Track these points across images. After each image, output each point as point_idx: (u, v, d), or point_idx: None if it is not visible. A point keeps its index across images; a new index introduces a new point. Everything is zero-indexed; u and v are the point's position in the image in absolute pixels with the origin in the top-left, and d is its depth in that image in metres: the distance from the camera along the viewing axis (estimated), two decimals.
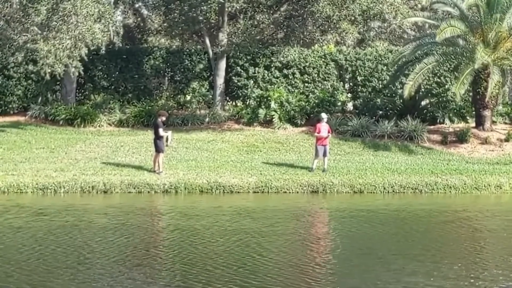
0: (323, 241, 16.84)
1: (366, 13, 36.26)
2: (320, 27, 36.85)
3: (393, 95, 34.19)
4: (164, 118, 25.53)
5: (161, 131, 24.64)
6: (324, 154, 25.60)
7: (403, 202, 22.83)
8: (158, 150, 24.62)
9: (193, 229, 17.42)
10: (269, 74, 34.90)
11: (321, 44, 38.48)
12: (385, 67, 34.77)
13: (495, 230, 18.29)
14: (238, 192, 23.45)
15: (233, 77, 35.15)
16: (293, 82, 34.85)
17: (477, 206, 22.60)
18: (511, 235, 17.45)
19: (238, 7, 35.67)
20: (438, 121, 33.60)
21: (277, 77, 34.91)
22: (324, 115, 26.62)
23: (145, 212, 20.40)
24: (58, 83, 34.41)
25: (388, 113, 33.20)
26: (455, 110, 33.86)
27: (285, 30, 36.91)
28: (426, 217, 20.19)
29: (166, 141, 25.21)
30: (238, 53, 34.95)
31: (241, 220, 18.90)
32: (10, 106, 34.26)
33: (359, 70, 35.02)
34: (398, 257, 14.84)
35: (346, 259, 14.68)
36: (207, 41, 35.16)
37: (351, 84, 35.83)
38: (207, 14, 34.54)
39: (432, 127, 32.50)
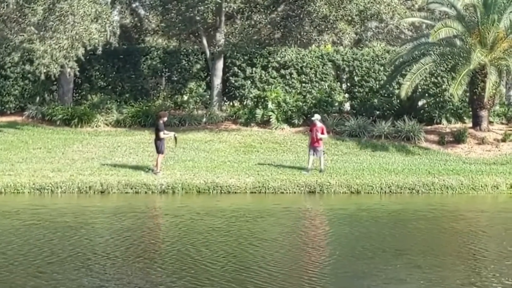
0: (280, 242, 16.47)
1: (363, 13, 36.24)
2: (317, 27, 36.84)
3: (390, 95, 34.19)
4: (165, 119, 25.55)
5: (161, 134, 24.62)
6: (314, 155, 25.57)
7: (382, 202, 22.90)
8: (158, 151, 24.62)
9: (153, 229, 17.58)
10: (266, 74, 34.91)
11: (318, 44, 38.53)
12: (382, 67, 34.77)
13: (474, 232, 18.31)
14: (235, 193, 23.44)
15: (230, 77, 35.15)
16: (290, 83, 34.86)
17: (470, 207, 22.66)
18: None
19: (235, 7, 35.66)
20: (435, 121, 33.64)
21: (274, 77, 34.91)
22: (315, 116, 26.53)
23: (118, 212, 20.04)
24: (55, 83, 34.41)
25: (385, 113, 33.23)
26: (452, 111, 33.90)
27: (282, 30, 36.94)
28: (395, 217, 20.22)
29: (175, 142, 25.25)
30: (235, 53, 34.97)
31: (210, 219, 18.83)
32: (7, 106, 34.29)
33: (356, 70, 35.03)
34: (353, 258, 14.71)
35: (290, 259, 14.67)
36: (204, 41, 35.17)
37: (348, 84, 35.84)
38: (204, 14, 34.46)
39: (429, 127, 32.54)
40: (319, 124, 25.90)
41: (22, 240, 15.86)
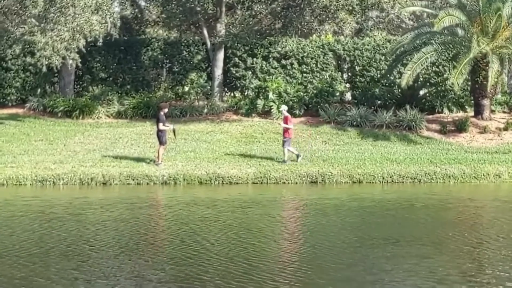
0: (268, 232, 16.52)
1: (364, 3, 36.20)
2: (318, 17, 36.78)
3: (392, 84, 34.13)
4: (166, 110, 25.62)
5: (160, 126, 24.64)
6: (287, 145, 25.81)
7: (381, 191, 22.95)
8: (159, 142, 24.66)
9: (140, 220, 17.55)
10: (267, 65, 34.84)
11: (319, 34, 38.43)
12: (383, 56, 34.68)
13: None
14: (237, 183, 23.45)
15: (231, 68, 35.09)
16: (291, 73, 34.80)
17: (470, 196, 22.64)
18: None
19: None
20: (436, 110, 33.58)
21: (275, 68, 34.85)
22: (281, 107, 27.23)
23: (108, 203, 19.98)
24: (56, 75, 34.39)
25: (387, 103, 33.20)
26: (453, 100, 33.83)
27: (282, 21, 36.85)
28: (391, 206, 20.21)
29: (174, 134, 25.30)
30: (236, 44, 34.89)
31: (201, 210, 18.92)
32: (9, 98, 34.25)
33: (357, 60, 34.95)
34: (339, 248, 14.69)
35: (274, 249, 14.75)
36: (205, 32, 35.09)
37: (349, 74, 35.78)
38: (205, 4, 34.44)
39: (430, 116, 32.49)
40: (285, 114, 26.04)
41: (12, 230, 16.03)
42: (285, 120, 25.90)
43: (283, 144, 25.66)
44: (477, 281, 12.26)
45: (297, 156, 25.50)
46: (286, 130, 25.68)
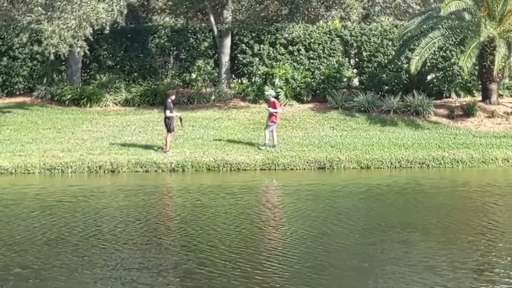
0: (259, 217, 16.74)
1: None
2: (325, 2, 36.63)
3: (399, 70, 34.05)
4: (173, 98, 25.64)
5: (167, 113, 24.67)
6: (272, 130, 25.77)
7: (387, 176, 22.88)
8: (167, 129, 24.69)
9: (129, 207, 17.62)
10: (274, 51, 34.79)
11: (326, 20, 38.32)
12: (391, 42, 34.60)
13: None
14: (245, 170, 23.48)
15: (238, 55, 35.06)
16: (299, 59, 34.75)
17: (477, 180, 22.62)
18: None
19: None
20: (444, 95, 33.54)
21: (282, 54, 34.80)
22: (269, 92, 27.28)
23: (102, 191, 20.16)
24: (63, 63, 34.42)
25: (394, 88, 33.12)
26: (461, 84, 33.76)
27: (289, 6, 36.70)
28: (392, 191, 20.24)
29: (181, 122, 25.33)
30: (242, 31, 34.84)
31: (186, 196, 19.13)
32: (16, 87, 34.28)
33: (365, 46, 34.87)
34: (327, 234, 14.75)
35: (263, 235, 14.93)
36: (212, 18, 35.02)
37: (356, 59, 35.72)
38: None
39: (438, 101, 32.44)
40: (271, 100, 25.97)
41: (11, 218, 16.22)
42: (273, 105, 25.79)
43: (266, 128, 25.55)
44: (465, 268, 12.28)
45: (273, 146, 25.36)
46: (272, 115, 25.58)
